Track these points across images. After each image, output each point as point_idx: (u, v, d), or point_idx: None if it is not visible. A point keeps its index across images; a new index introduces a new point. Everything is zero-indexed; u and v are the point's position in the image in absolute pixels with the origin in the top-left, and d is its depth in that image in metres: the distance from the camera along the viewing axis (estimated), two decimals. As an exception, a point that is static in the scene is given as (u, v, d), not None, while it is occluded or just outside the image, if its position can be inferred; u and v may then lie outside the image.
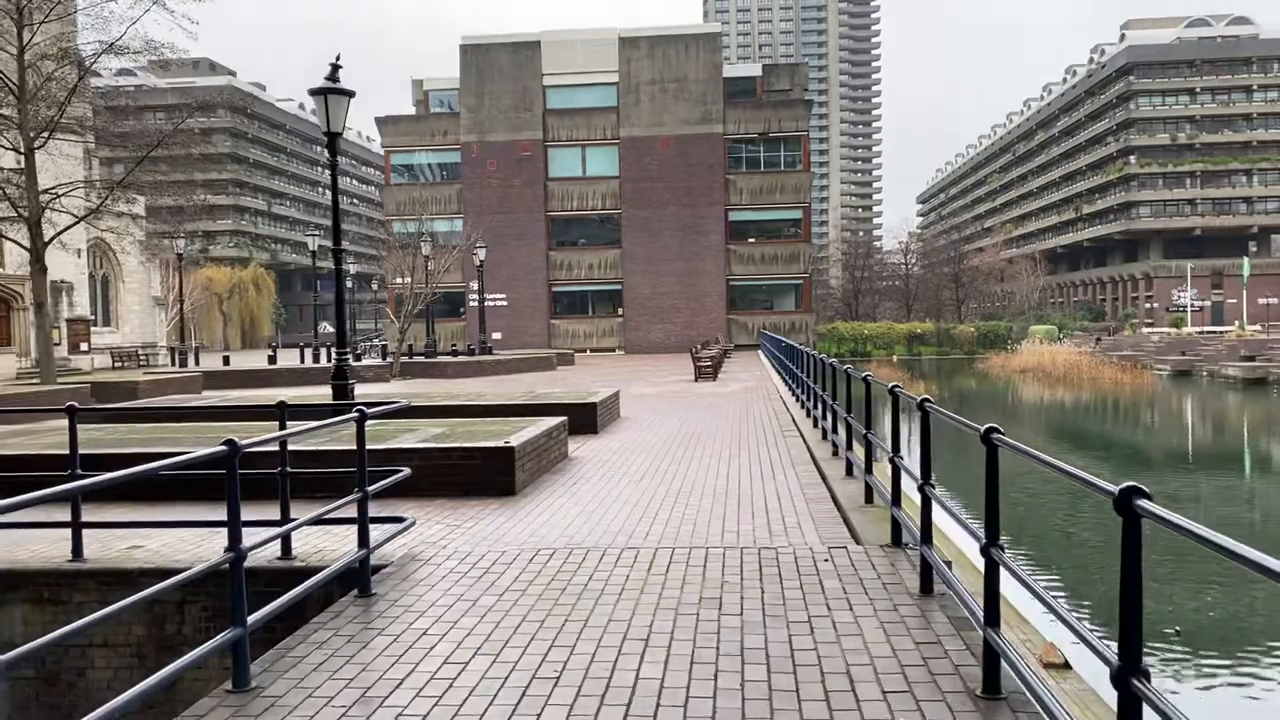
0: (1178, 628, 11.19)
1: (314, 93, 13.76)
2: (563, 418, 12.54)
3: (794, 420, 16.48)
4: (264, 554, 7.27)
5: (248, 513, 4.97)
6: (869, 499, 8.55)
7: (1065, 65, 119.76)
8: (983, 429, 4.26)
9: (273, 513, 7.33)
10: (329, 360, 40.62)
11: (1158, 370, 56.66)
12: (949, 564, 5.99)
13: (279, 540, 7.18)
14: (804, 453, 12.50)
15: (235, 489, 4.63)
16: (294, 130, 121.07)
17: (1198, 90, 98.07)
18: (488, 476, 9.75)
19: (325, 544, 7.68)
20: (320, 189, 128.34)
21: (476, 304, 46.30)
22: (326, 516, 6.46)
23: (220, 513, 4.95)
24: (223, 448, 4.56)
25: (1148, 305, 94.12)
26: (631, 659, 4.85)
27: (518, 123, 56.79)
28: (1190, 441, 33.02)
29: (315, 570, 6.48)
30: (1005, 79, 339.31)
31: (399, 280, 38.92)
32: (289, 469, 7.39)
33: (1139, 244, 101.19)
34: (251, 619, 4.68)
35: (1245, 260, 78.85)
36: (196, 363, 44.16)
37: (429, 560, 7.04)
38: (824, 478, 10.27)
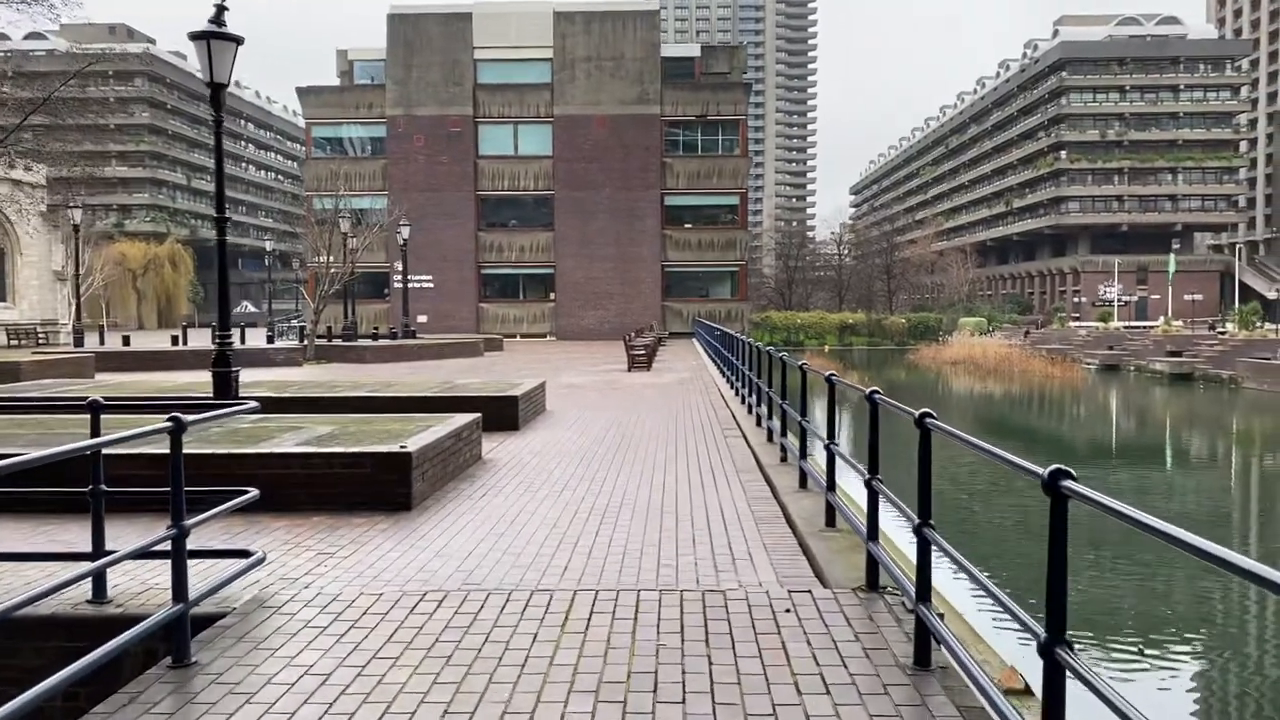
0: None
1: (194, 37, 11.95)
2: (475, 415, 10.99)
3: (734, 417, 15.14)
4: (70, 595, 5.68)
5: (67, 533, 3.41)
6: (830, 521, 7.20)
7: (1000, 59, 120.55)
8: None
9: (134, 534, 5.71)
10: (242, 342, 38.34)
11: (1086, 364, 56.96)
12: (940, 616, 4.64)
13: (91, 578, 5.58)
14: (748, 457, 11.14)
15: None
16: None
17: (1127, 88, 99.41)
18: (378, 488, 8.20)
19: (161, 577, 6.08)
20: (243, 163, 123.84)
21: (401, 285, 44.25)
22: (153, 549, 4.94)
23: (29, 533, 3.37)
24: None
25: (1075, 299, 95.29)
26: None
27: (447, 97, 54.58)
28: (1116, 434, 33.37)
29: (132, 620, 4.94)
30: (940, 72, 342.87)
31: (318, 259, 36.75)
32: (135, 480, 5.73)
33: (1067, 239, 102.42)
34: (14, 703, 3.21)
35: (1171, 257, 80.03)
36: (101, 342, 41.42)
37: (281, 607, 5.49)
38: (774, 490, 8.91)
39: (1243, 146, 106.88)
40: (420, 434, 9.23)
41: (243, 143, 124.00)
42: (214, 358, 12.32)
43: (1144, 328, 71.71)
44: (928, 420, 4.47)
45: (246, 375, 24.74)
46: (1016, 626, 3.34)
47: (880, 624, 5.10)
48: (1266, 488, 23.87)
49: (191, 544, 6.81)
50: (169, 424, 4.65)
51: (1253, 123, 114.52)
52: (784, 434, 10.36)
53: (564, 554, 6.69)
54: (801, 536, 7.11)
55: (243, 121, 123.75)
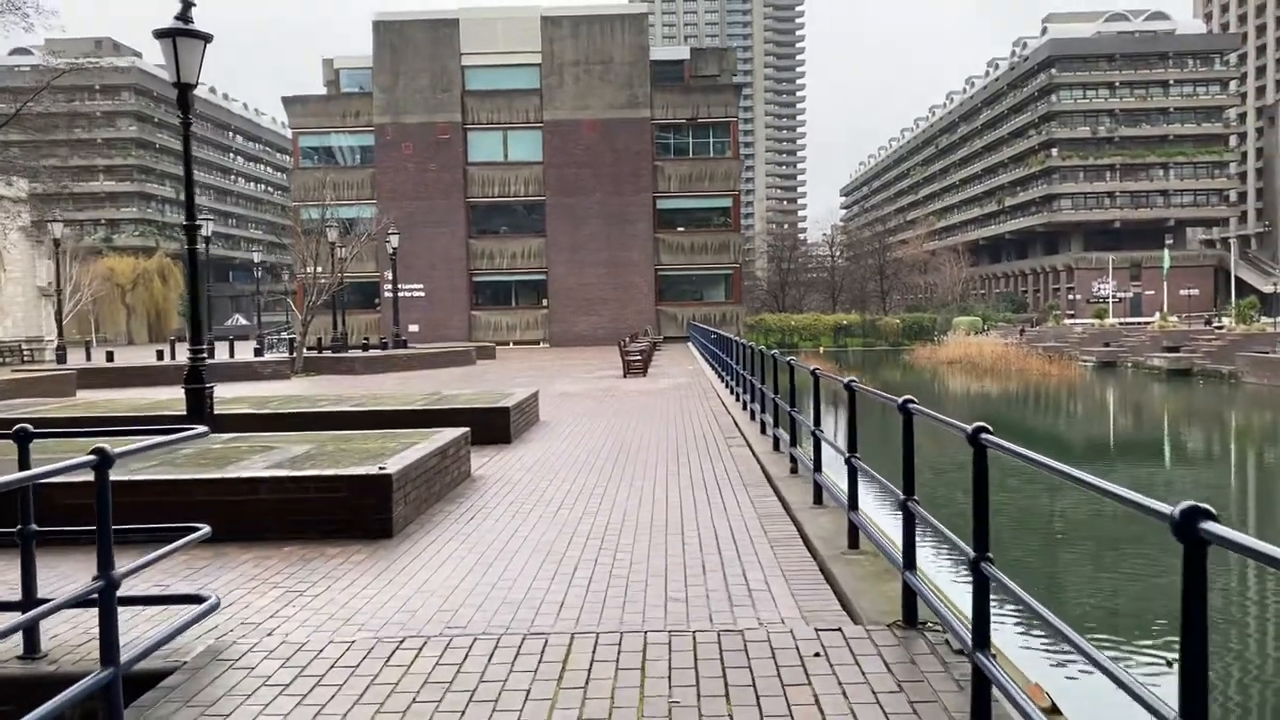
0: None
1: (160, 35, 11.27)
2: (464, 429, 10.30)
3: (736, 424, 14.48)
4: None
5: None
6: (854, 543, 6.54)
7: (989, 59, 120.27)
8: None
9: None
10: (231, 355, 37.57)
11: (1083, 361, 56.52)
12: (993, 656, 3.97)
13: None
14: (755, 468, 10.48)
15: None
16: (204, 115, 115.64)
17: (1117, 84, 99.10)
18: (356, 514, 7.51)
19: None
20: (232, 175, 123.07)
21: (391, 295, 43.54)
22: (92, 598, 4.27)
23: None
24: None
25: (1070, 297, 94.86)
26: None
27: (435, 104, 53.90)
28: (1119, 431, 33.31)
29: (67, 680, 4.28)
30: (928, 73, 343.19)
31: (306, 270, 36.01)
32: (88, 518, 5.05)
33: (1060, 236, 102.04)
34: None
35: (1165, 252, 79.63)
36: (87, 358, 40.63)
37: (238, 660, 4.80)
38: (787, 506, 8.24)
39: (1233, 141, 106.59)
40: (403, 452, 8.55)
41: (231, 155, 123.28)
42: (186, 374, 11.63)
43: (1140, 324, 71.24)
44: (983, 436, 3.78)
45: (230, 390, 24.04)
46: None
47: (924, 669, 4.43)
48: (1274, 483, 23.34)
49: (140, 586, 6.14)
50: (93, 458, 3.97)
51: (1242, 117, 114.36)
52: (794, 444, 9.70)
53: (559, 587, 6.01)
54: (822, 561, 6.45)
55: (231, 133, 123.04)
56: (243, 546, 7.25)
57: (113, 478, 7.05)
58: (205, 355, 11.74)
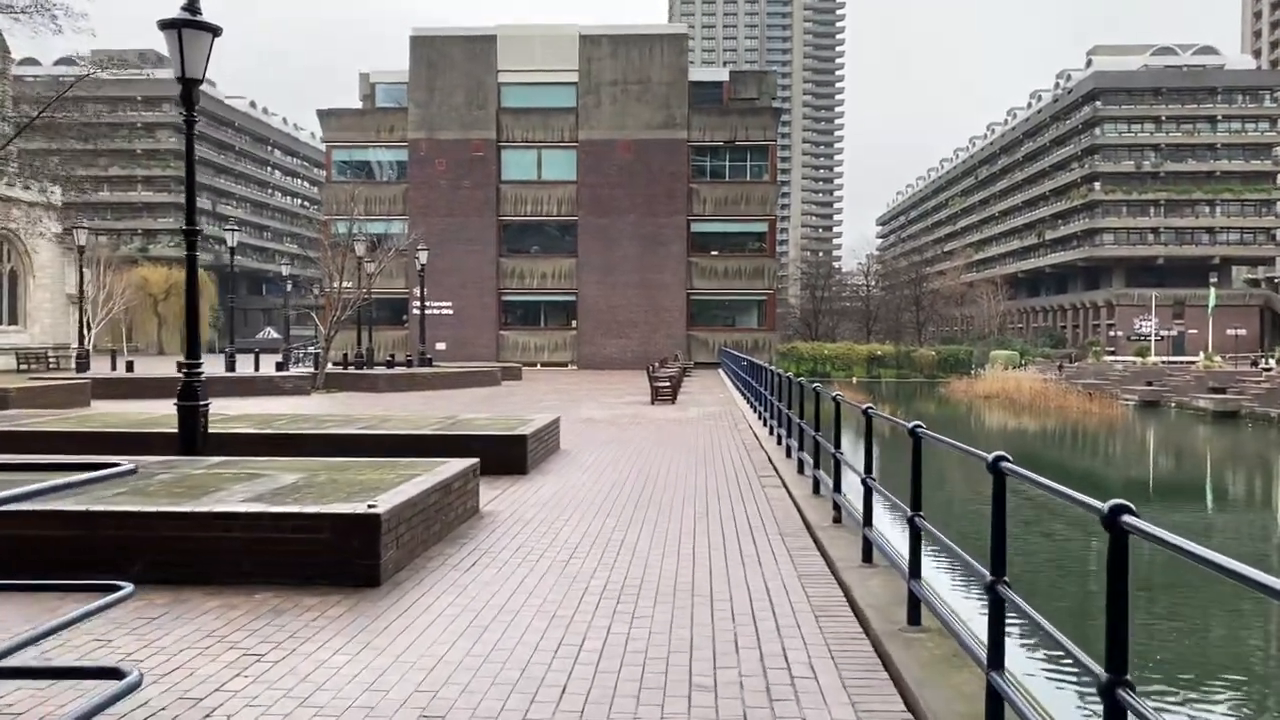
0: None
1: (164, 25, 10.52)
2: (473, 460, 9.37)
3: (770, 460, 13.46)
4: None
5: None
6: (915, 618, 5.52)
7: (1031, 90, 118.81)
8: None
9: None
10: (256, 369, 36.97)
11: (1125, 400, 54.86)
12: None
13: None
14: (792, 513, 9.46)
15: None
16: (243, 128, 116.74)
17: (1163, 118, 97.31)
18: (340, 557, 6.59)
19: (19, 695, 4.51)
20: (269, 189, 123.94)
21: (419, 312, 42.91)
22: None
23: None
24: None
25: (1110, 333, 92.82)
26: None
27: (470, 120, 53.48)
28: (1169, 475, 31.90)
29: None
30: (968, 103, 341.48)
31: (333, 284, 35.43)
32: None
33: (1101, 271, 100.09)
34: None
35: (1211, 291, 77.71)
36: (113, 367, 40.28)
37: (158, 757, 3.87)
38: (830, 564, 7.23)
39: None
40: (400, 486, 7.63)
41: (269, 169, 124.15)
42: (179, 390, 10.79)
43: (1183, 363, 69.33)
44: (1125, 519, 2.85)
45: (245, 405, 23.35)
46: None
47: (1024, 811, 3.41)
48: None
49: (76, 643, 5.25)
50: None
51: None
52: (837, 488, 8.68)
53: (563, 664, 5.03)
54: (877, 637, 5.44)
55: (269, 148, 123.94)
56: (209, 592, 6.36)
57: (67, 508, 6.18)
58: (200, 370, 10.90)
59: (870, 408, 7.09)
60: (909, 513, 5.52)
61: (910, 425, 5.50)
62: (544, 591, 6.46)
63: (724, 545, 7.97)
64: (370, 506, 6.73)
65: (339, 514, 6.61)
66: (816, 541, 8.02)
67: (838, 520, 8.59)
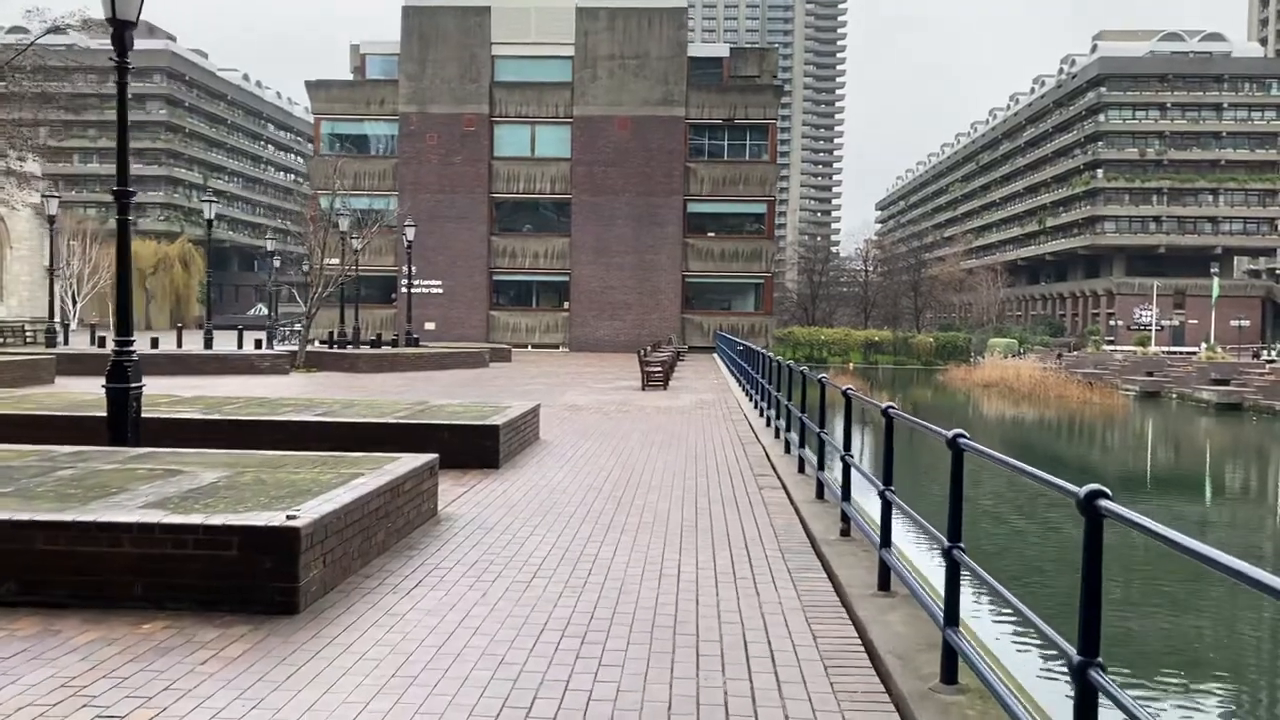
0: None
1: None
2: (431, 457, 8.23)
3: (767, 457, 12.35)
4: None
5: None
6: (950, 676, 4.41)
7: (1034, 75, 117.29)
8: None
9: None
10: (239, 346, 35.71)
11: (1125, 390, 53.93)
12: None
13: None
14: (793, 522, 8.35)
15: None
16: (236, 102, 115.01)
17: (1168, 105, 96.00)
18: (251, 578, 5.46)
19: None
20: (263, 164, 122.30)
21: (406, 290, 41.69)
22: None
23: None
24: None
25: (1110, 323, 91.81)
26: None
27: (462, 94, 52.03)
28: (1173, 468, 31.05)
29: None
30: (971, 88, 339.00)
31: (316, 260, 34.19)
32: None
33: (1101, 260, 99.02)
34: None
35: (1215, 280, 76.69)
36: (95, 342, 39.02)
37: None
38: (839, 590, 6.11)
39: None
40: (335, 490, 6.49)
41: (262, 143, 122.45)
42: (108, 370, 9.63)
43: (1184, 353, 68.37)
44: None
45: (214, 384, 22.17)
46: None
47: None
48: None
49: None
50: None
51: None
52: (846, 497, 7.56)
53: (504, 739, 3.91)
54: (901, 697, 4.33)
55: (263, 121, 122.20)
56: (89, 620, 5.24)
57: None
58: (132, 349, 9.72)
59: (891, 407, 5.95)
60: (947, 544, 4.39)
61: (951, 435, 4.38)
62: (493, 627, 5.32)
63: (714, 564, 6.84)
64: (290, 517, 5.60)
65: (250, 526, 5.47)
66: (823, 560, 6.91)
67: (846, 533, 7.48)
